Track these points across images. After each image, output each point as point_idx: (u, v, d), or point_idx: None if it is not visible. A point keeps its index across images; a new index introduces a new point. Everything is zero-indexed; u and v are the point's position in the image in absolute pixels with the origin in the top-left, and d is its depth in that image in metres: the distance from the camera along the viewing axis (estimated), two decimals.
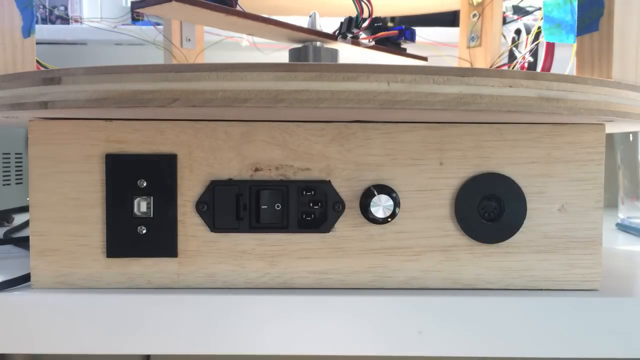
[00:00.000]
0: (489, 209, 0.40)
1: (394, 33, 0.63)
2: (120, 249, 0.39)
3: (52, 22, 1.02)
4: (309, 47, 0.59)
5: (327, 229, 0.40)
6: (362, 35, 0.61)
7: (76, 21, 1.00)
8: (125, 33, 0.83)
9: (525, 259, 0.40)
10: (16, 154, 0.72)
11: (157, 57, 0.80)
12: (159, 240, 0.39)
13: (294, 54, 0.60)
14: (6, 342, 0.38)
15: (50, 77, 0.33)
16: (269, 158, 0.39)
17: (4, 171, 0.69)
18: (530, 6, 0.76)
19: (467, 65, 0.70)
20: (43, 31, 0.91)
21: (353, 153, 0.39)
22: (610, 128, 0.44)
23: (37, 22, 0.78)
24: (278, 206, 0.40)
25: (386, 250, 0.40)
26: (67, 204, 0.39)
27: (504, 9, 0.73)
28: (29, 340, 0.38)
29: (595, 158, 0.40)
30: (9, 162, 0.70)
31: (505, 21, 0.73)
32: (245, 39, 0.81)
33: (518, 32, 0.59)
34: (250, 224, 0.40)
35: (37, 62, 0.44)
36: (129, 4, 0.98)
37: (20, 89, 0.34)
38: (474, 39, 0.70)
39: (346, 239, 0.40)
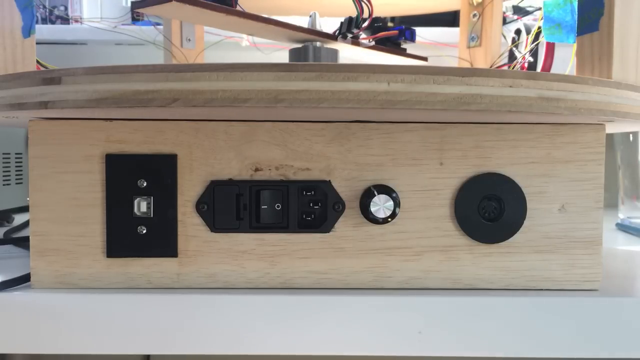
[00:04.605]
0: (489, 209, 0.40)
1: (394, 33, 0.63)
2: (120, 249, 0.39)
3: (52, 22, 1.02)
4: (309, 47, 0.59)
5: (327, 229, 0.40)
6: (362, 35, 0.61)
7: (76, 21, 1.00)
8: (125, 33, 0.83)
9: (525, 259, 0.40)
10: (16, 154, 0.72)
11: (157, 57, 0.80)
12: (159, 240, 0.39)
13: (294, 54, 0.60)
14: (6, 342, 0.38)
15: (50, 77, 0.33)
16: (269, 158, 0.39)
17: (4, 171, 0.69)
18: (530, 6, 0.76)
19: (467, 65, 0.70)
20: (43, 31, 0.91)
21: (353, 153, 0.39)
22: (610, 128, 0.43)
23: (37, 22, 0.78)
24: (278, 206, 0.40)
25: (386, 250, 0.40)
26: (67, 204, 0.39)
27: (504, 9, 0.73)
28: (29, 340, 0.38)
29: (595, 158, 0.40)
30: (9, 162, 0.70)
31: (505, 21, 0.73)
32: (245, 39, 0.81)
33: (518, 32, 0.59)
34: (250, 224, 0.40)
35: (37, 62, 0.44)
36: (129, 4, 0.98)
37: (20, 89, 0.34)
38: (474, 39, 0.70)
39: (346, 239, 0.40)
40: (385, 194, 0.38)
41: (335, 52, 0.60)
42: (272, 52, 0.83)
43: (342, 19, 0.58)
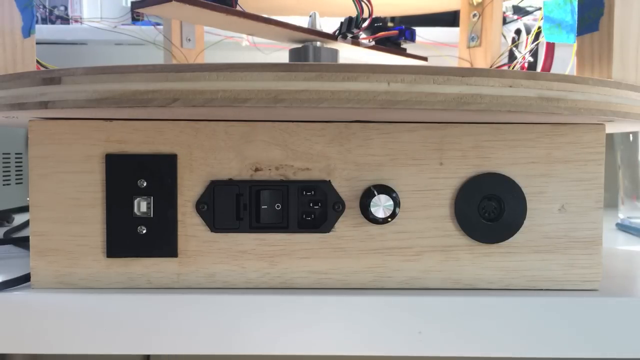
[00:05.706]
0: (489, 209, 0.40)
1: (394, 33, 0.63)
2: (120, 249, 0.39)
3: (52, 22, 1.02)
4: (309, 47, 0.59)
5: (327, 229, 0.40)
6: (362, 35, 0.61)
7: (76, 21, 1.00)
8: (125, 33, 0.83)
9: (525, 259, 0.40)
10: (16, 154, 0.72)
11: (157, 57, 0.80)
12: (159, 240, 0.39)
13: (294, 54, 0.60)
14: (6, 342, 0.38)
15: (50, 77, 0.33)
16: (269, 158, 0.39)
17: (4, 171, 0.69)
18: (530, 6, 0.76)
19: (467, 65, 0.70)
20: (43, 31, 0.91)
21: (353, 153, 0.39)
22: (610, 128, 0.43)
23: (37, 22, 0.78)
24: (278, 206, 0.40)
25: (386, 250, 0.40)
26: (67, 204, 0.39)
27: (504, 9, 0.73)
28: (29, 340, 0.38)
29: (596, 158, 0.40)
30: (9, 162, 0.70)
31: (505, 21, 0.73)
32: (245, 39, 0.81)
33: (518, 32, 0.59)
34: (250, 224, 0.40)
35: (37, 62, 0.44)
36: (129, 4, 0.98)
37: (20, 89, 0.34)
38: (474, 39, 0.70)
39: (346, 239, 0.40)
40: (385, 194, 0.38)
41: (335, 52, 0.60)
42: (272, 52, 0.83)
43: (342, 19, 0.58)
